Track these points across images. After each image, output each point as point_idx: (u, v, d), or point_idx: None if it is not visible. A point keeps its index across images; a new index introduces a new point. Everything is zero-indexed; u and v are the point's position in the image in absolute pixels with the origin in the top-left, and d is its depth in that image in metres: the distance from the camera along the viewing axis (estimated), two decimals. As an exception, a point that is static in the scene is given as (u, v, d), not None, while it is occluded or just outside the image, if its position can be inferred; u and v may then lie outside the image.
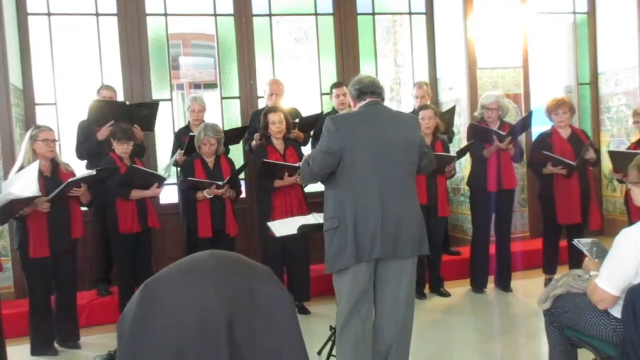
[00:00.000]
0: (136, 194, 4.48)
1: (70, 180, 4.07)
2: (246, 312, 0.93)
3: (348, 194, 3.00)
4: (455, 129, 5.99)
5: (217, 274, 0.95)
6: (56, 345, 4.28)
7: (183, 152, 4.97)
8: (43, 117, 5.69)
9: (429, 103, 5.65)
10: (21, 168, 4.08)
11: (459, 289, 5.32)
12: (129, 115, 4.90)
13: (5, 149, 5.13)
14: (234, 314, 0.91)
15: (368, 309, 3.07)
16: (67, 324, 4.35)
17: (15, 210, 3.83)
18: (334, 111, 5.46)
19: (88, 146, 4.94)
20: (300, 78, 7.12)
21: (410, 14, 6.80)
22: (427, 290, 5.25)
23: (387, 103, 7.11)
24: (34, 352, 4.18)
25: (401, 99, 7.98)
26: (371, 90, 3.12)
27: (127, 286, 4.64)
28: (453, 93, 6.57)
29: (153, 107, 5.08)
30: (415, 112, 5.28)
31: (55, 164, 4.23)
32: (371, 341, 3.10)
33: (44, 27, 5.74)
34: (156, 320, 0.90)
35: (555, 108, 5.00)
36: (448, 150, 5.19)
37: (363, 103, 3.14)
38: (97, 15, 5.87)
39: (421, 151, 3.15)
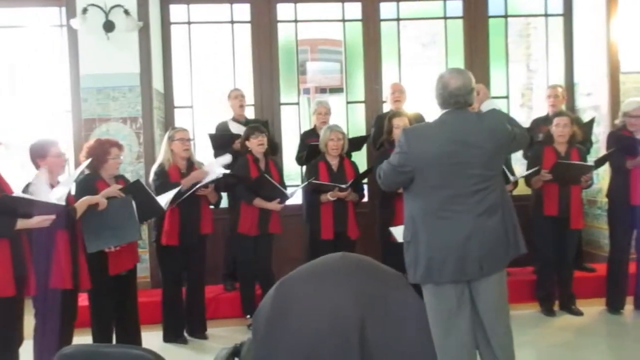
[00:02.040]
0: (258, 202, 4.63)
1: (200, 184, 4.29)
2: (378, 317, 0.91)
3: (418, 207, 2.85)
4: (593, 137, 5.61)
5: (349, 277, 0.95)
6: (185, 334, 4.54)
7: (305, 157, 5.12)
8: (180, 119, 6.06)
9: (563, 108, 5.33)
10: (160, 166, 4.37)
11: (592, 308, 4.95)
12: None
13: (146, 149, 5.53)
14: (366, 317, 0.90)
15: (465, 328, 2.81)
16: (195, 315, 4.60)
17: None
18: None
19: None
20: (425, 83, 7.01)
21: (546, 15, 6.48)
22: (556, 307, 4.95)
23: (517, 109, 6.85)
24: (165, 339, 4.46)
25: (532, 105, 7.60)
26: (455, 100, 2.87)
27: (246, 285, 4.82)
28: (591, 99, 6.15)
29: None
30: (549, 119, 5.01)
31: (190, 162, 4.49)
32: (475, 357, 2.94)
33: (184, 34, 6.12)
34: (289, 321, 0.91)
35: None
36: (585, 159, 4.87)
37: (443, 111, 2.94)
38: (232, 22, 6.16)
39: (508, 139, 2.89)
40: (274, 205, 4.64)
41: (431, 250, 2.79)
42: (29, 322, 3.45)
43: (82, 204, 3.51)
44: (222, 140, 5.17)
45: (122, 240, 3.68)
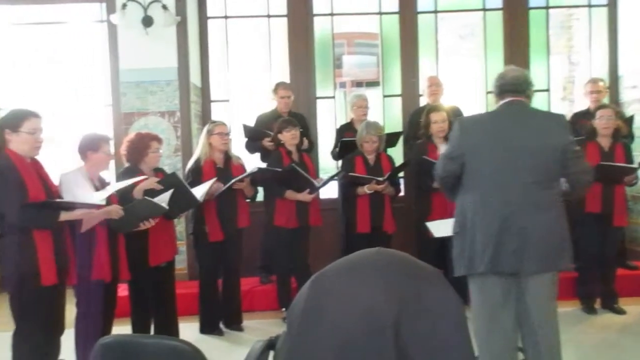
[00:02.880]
0: (290, 195, 4.63)
1: (235, 179, 4.32)
2: (414, 314, 0.89)
3: (469, 200, 2.85)
4: (636, 132, 5.44)
5: (384, 272, 0.93)
6: (222, 326, 4.59)
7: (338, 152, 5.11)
8: (217, 112, 6.12)
9: (605, 101, 5.18)
10: (196, 161, 4.42)
11: (636, 307, 4.81)
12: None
13: (184, 142, 5.60)
14: (401, 314, 0.88)
15: (509, 325, 2.83)
16: (231, 307, 4.64)
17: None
18: None
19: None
20: (463, 76, 6.92)
21: (589, 6, 6.29)
22: (597, 305, 4.83)
23: (558, 103, 6.70)
24: (202, 330, 4.52)
25: (574, 98, 7.42)
26: (513, 89, 2.86)
27: (282, 278, 4.83)
28: (636, 92, 5.96)
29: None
30: (592, 112, 4.87)
31: (227, 156, 4.53)
32: (516, 355, 2.90)
33: (221, 29, 6.16)
34: (323, 316, 0.90)
35: None
36: (630, 154, 4.71)
37: (502, 102, 2.91)
38: (269, 16, 6.17)
39: (565, 157, 2.80)
40: (304, 196, 4.63)
41: (475, 241, 2.80)
42: (71, 311, 3.54)
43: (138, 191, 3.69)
44: (254, 134, 5.20)
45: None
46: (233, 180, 4.33)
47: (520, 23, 6.17)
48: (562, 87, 7.54)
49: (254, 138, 5.20)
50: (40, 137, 3.24)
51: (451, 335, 0.91)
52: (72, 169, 3.56)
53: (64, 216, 3.17)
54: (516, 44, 6.17)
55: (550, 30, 6.38)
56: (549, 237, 2.77)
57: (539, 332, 2.82)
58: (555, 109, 6.15)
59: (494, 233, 2.75)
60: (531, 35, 6.19)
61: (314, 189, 4.65)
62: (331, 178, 4.87)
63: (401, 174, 5.22)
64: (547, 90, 6.31)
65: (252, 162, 5.14)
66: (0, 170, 3.10)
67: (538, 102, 6.11)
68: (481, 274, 2.81)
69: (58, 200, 3.24)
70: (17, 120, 3.17)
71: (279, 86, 5.41)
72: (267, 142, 5.04)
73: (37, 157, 3.30)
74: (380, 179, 4.59)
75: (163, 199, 3.69)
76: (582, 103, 5.82)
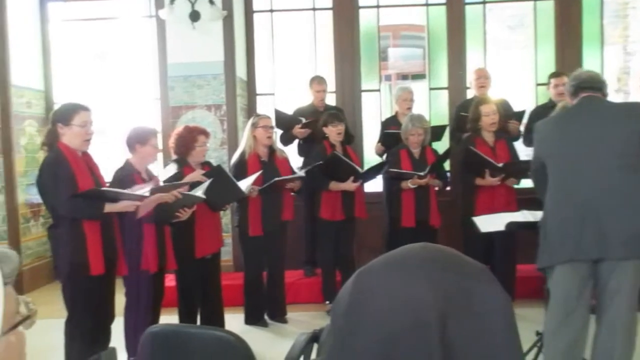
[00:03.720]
0: (334, 186, 4.61)
1: (277, 179, 4.32)
2: (460, 311, 0.87)
3: (551, 194, 2.89)
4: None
5: (430, 268, 0.91)
6: (266, 317, 4.63)
7: (383, 147, 5.17)
8: (262, 106, 6.15)
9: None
10: (241, 155, 4.45)
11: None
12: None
13: (230, 135, 5.66)
14: (447, 311, 0.86)
15: (583, 317, 2.82)
16: (275, 299, 4.67)
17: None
18: (550, 102, 5.11)
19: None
20: (512, 68, 6.76)
21: (646, -7, 6.06)
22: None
23: (613, 94, 6.45)
24: (247, 322, 4.56)
25: (629, 90, 7.17)
26: (589, 86, 2.91)
27: (328, 271, 4.83)
28: (696, 83, 5.72)
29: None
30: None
31: (271, 149, 4.55)
32: (583, 352, 2.85)
33: (266, 22, 6.19)
34: (367, 313, 0.89)
35: None
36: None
37: (575, 100, 2.96)
38: (314, 9, 6.17)
39: None
40: (348, 184, 4.60)
41: (556, 231, 2.81)
42: (120, 300, 3.63)
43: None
44: (284, 120, 5.20)
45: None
46: (275, 180, 4.29)
47: (572, 12, 5.97)
48: (616, 78, 7.29)
49: (285, 127, 5.20)
50: (91, 129, 3.32)
51: (500, 335, 0.89)
52: (122, 164, 3.66)
53: (108, 207, 3.23)
54: (568, 34, 5.98)
55: (605, 20, 6.16)
56: (636, 221, 2.74)
57: (619, 324, 2.78)
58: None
59: (577, 221, 2.76)
60: (584, 24, 5.99)
61: (359, 176, 4.61)
62: (376, 167, 4.82)
63: (447, 167, 5.14)
64: (601, 81, 6.10)
65: (296, 157, 5.15)
66: (51, 163, 3.20)
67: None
68: (563, 263, 2.80)
69: (103, 188, 3.31)
70: (68, 113, 3.27)
71: (313, 80, 5.42)
72: (297, 130, 5.05)
73: (88, 150, 3.39)
74: (422, 173, 4.52)
75: (200, 189, 3.73)
76: (638, 95, 5.62)
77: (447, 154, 4.95)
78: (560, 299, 2.83)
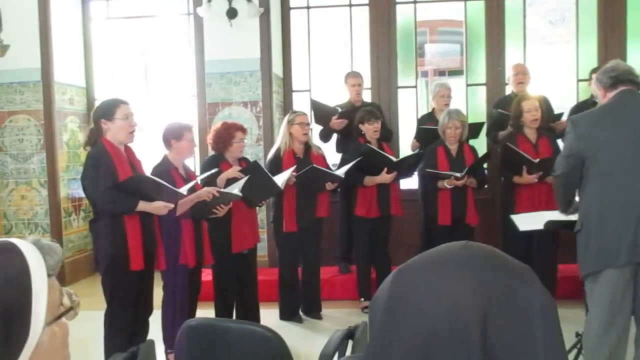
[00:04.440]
0: (368, 180, 4.58)
1: (314, 165, 4.30)
2: (502, 311, 0.85)
3: (593, 195, 2.78)
4: None
5: (471, 266, 0.90)
6: (301, 313, 4.64)
7: (418, 143, 5.12)
8: (298, 102, 6.17)
9: None
10: (277, 151, 4.47)
11: None
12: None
13: (265, 132, 5.69)
14: (488, 311, 0.84)
15: (625, 321, 2.75)
16: (310, 295, 4.68)
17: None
18: (592, 98, 4.96)
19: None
20: (553, 64, 6.62)
21: (694, -14, 5.85)
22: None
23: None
24: (282, 317, 4.59)
25: (676, 85, 6.94)
26: (628, 78, 2.80)
27: (363, 268, 4.82)
28: None
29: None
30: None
31: (307, 146, 4.55)
32: (625, 354, 2.78)
33: (303, 19, 6.20)
34: (406, 311, 0.87)
35: None
36: None
37: (613, 93, 2.82)
38: (350, 5, 6.14)
39: None
40: (383, 177, 4.56)
41: (606, 233, 2.72)
42: (158, 294, 3.69)
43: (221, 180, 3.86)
44: (322, 112, 5.18)
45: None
46: (312, 166, 4.27)
47: (617, 6, 5.81)
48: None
49: (324, 121, 5.17)
50: (134, 121, 3.38)
51: (543, 336, 0.87)
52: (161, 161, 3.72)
53: (142, 206, 3.25)
54: (612, 29, 5.82)
55: (650, 14, 5.98)
56: None
57: None
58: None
59: (630, 221, 2.68)
60: (629, 18, 5.82)
61: (393, 166, 4.56)
62: (411, 157, 4.76)
63: (485, 165, 5.06)
64: (646, 77, 5.92)
65: (332, 154, 5.15)
66: (93, 156, 3.27)
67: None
68: (616, 267, 2.72)
69: (144, 175, 3.36)
70: (110, 108, 3.33)
71: (348, 75, 5.40)
72: (335, 121, 5.02)
73: (130, 145, 3.45)
74: (459, 174, 4.45)
75: (236, 186, 3.76)
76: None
77: (486, 157, 4.88)
78: (605, 303, 2.75)
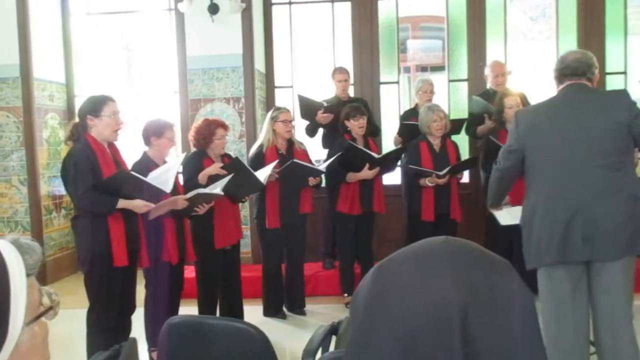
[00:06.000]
0: (351, 177, 4.58)
1: (294, 160, 4.31)
2: (482, 307, 0.86)
3: (532, 192, 2.79)
4: None
5: (452, 262, 0.90)
6: (285, 309, 4.65)
7: (401, 138, 5.09)
8: (281, 98, 6.15)
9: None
10: (259, 147, 4.46)
11: None
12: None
13: (248, 128, 5.68)
14: (469, 305, 0.85)
15: (580, 318, 2.74)
16: (294, 292, 4.69)
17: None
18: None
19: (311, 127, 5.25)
20: (534, 59, 6.67)
21: (672, -18, 5.93)
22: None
23: (636, 87, 6.34)
24: (265, 313, 4.59)
25: (654, 80, 7.04)
26: (572, 72, 2.74)
27: (346, 264, 4.83)
28: None
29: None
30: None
31: (290, 142, 4.55)
32: (588, 352, 2.80)
33: (285, 15, 6.18)
34: (388, 306, 0.88)
35: None
36: None
37: (561, 87, 2.80)
38: (332, 1, 6.14)
39: (635, 131, 2.65)
40: (365, 173, 4.55)
41: (542, 232, 2.72)
42: (141, 292, 3.67)
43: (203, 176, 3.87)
44: (308, 106, 5.16)
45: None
46: (293, 161, 4.27)
47: (596, 3, 5.88)
48: (640, 69, 7.15)
49: (310, 116, 5.16)
50: (120, 119, 3.35)
51: (522, 330, 0.88)
52: (141, 157, 3.70)
53: (122, 204, 3.23)
54: (591, 24, 5.89)
55: (630, 9, 6.05)
56: (621, 221, 2.64)
57: (612, 325, 2.70)
58: (632, 92, 5.84)
59: (561, 222, 2.66)
60: (607, 14, 5.89)
61: (375, 163, 4.56)
62: (393, 153, 4.77)
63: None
64: (624, 72, 6.00)
65: (316, 149, 5.14)
66: (76, 153, 3.23)
67: (614, 85, 5.83)
68: (549, 265, 2.73)
69: (128, 172, 3.34)
70: (97, 105, 3.29)
71: (335, 71, 5.41)
72: (320, 115, 5.02)
73: (115, 142, 3.42)
74: (441, 173, 4.47)
75: (219, 185, 3.75)
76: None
77: (472, 163, 4.89)
78: (556, 300, 2.74)
